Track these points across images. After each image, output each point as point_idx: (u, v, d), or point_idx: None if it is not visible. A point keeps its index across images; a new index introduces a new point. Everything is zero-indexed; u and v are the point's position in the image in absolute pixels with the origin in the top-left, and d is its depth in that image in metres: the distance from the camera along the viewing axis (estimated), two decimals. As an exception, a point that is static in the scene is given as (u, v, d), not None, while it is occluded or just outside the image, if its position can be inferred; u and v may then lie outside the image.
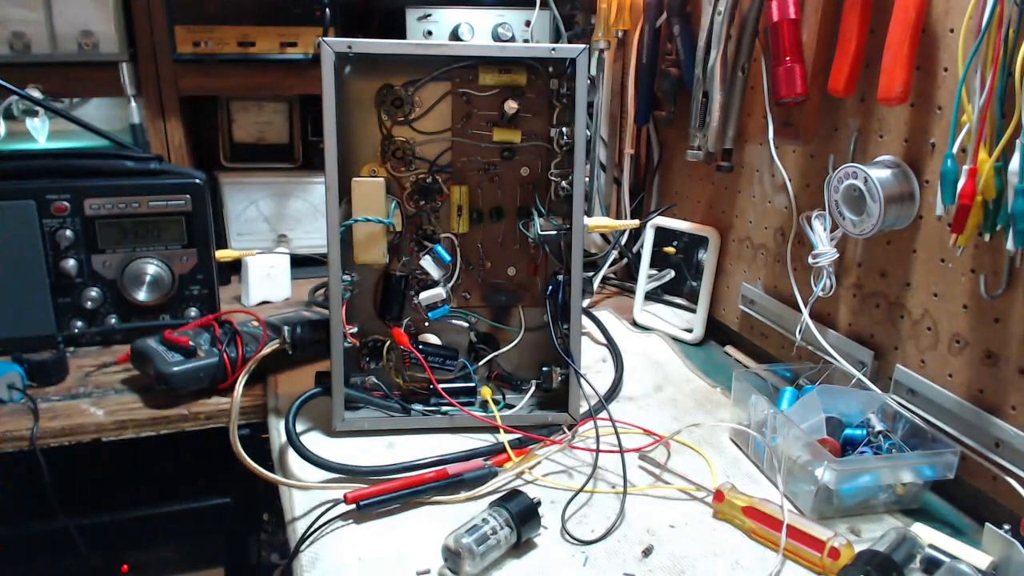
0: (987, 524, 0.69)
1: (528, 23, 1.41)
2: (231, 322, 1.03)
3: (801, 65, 0.92)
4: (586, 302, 1.28)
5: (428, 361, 0.90)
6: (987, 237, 0.72)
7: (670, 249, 1.28)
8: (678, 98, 1.25)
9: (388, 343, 0.92)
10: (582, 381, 0.91)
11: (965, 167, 0.70)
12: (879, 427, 0.83)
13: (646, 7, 1.25)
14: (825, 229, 0.92)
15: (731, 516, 0.76)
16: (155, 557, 1.13)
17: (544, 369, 0.92)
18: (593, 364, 1.11)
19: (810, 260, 0.92)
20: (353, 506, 0.74)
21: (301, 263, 1.41)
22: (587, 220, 0.93)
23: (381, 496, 0.75)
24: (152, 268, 1.10)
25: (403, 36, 1.38)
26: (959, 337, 0.80)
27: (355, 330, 0.89)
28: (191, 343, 0.97)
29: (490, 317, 0.95)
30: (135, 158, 1.12)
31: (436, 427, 0.90)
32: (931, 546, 0.69)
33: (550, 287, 0.91)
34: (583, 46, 0.84)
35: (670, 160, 1.36)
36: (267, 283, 1.31)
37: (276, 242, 1.45)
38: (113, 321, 1.11)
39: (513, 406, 0.92)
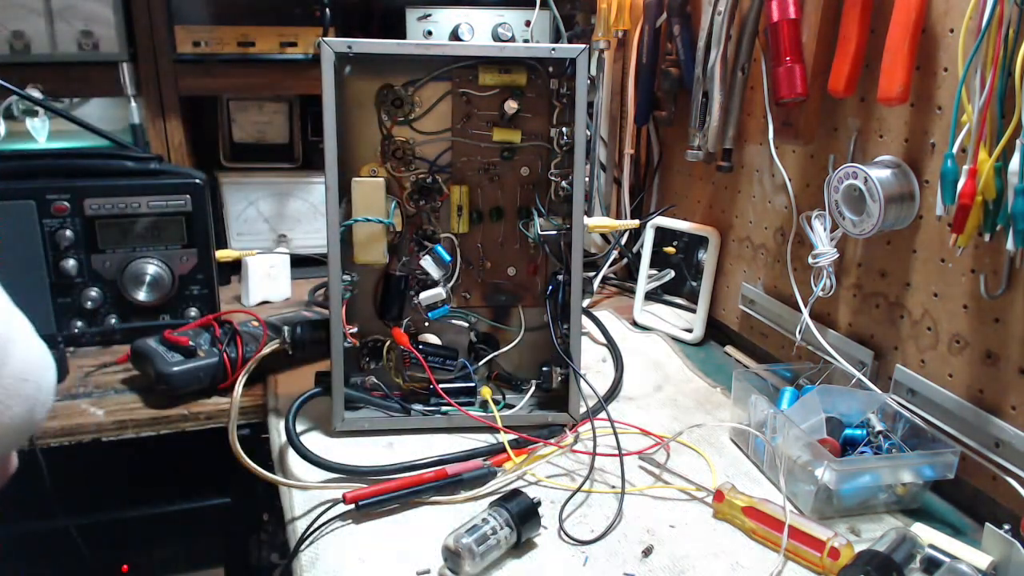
0: (987, 524, 0.69)
1: (528, 23, 1.41)
2: (231, 322, 1.03)
3: (801, 65, 0.92)
4: (586, 302, 1.28)
5: (428, 361, 0.90)
6: (987, 237, 0.72)
7: (670, 249, 1.28)
8: (678, 98, 1.25)
9: (388, 343, 0.92)
10: (582, 381, 0.91)
11: (965, 167, 0.70)
12: (879, 427, 0.83)
13: (646, 7, 1.25)
14: (825, 229, 0.92)
15: (731, 516, 0.76)
16: (155, 557, 1.13)
17: (544, 369, 0.92)
18: (593, 364, 1.11)
19: (810, 260, 0.92)
20: (352, 506, 0.74)
21: (301, 263, 1.41)
22: (587, 220, 0.93)
23: (380, 496, 0.75)
24: (152, 268, 1.10)
25: (403, 36, 1.38)
26: (959, 337, 0.80)
27: (355, 330, 0.89)
28: (191, 343, 0.97)
29: (490, 317, 0.95)
30: (135, 158, 1.12)
31: (436, 427, 0.90)
32: (931, 546, 0.69)
33: (550, 287, 0.91)
34: (583, 46, 0.84)
35: (670, 160, 1.36)
36: (267, 283, 1.31)
37: (276, 242, 1.45)
38: (113, 321, 1.11)
39: (513, 406, 0.92)
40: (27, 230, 1.05)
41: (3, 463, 0.63)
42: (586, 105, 0.86)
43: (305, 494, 0.79)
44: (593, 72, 1.34)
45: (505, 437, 0.85)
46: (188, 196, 1.10)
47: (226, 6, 1.29)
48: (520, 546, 0.71)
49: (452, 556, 0.67)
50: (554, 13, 1.39)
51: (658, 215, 1.29)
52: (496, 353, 0.94)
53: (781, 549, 0.70)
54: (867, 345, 0.92)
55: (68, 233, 1.06)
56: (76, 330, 1.09)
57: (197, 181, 1.11)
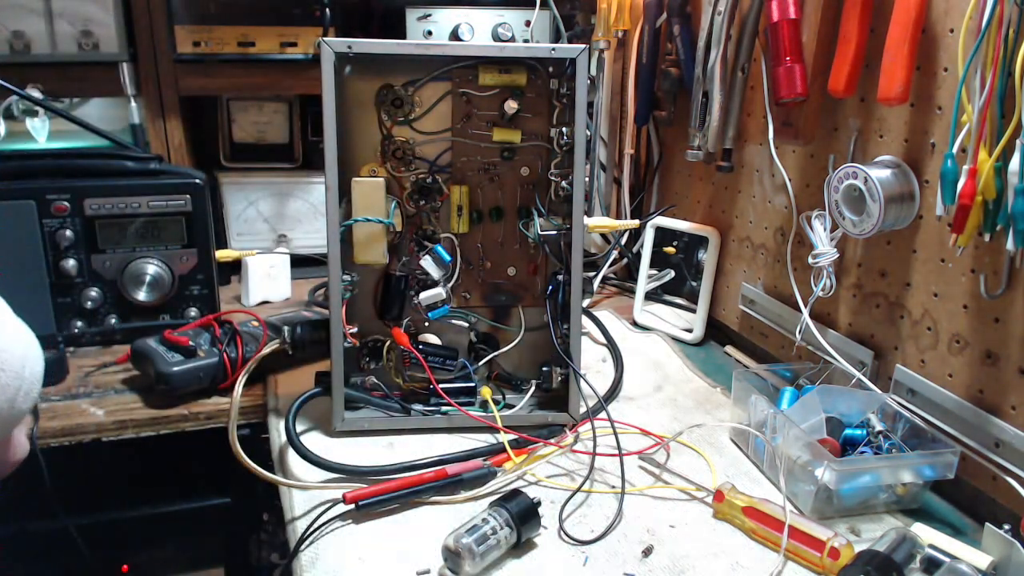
0: (987, 524, 0.69)
1: (528, 23, 1.41)
2: (231, 322, 1.03)
3: (801, 65, 0.92)
4: (586, 302, 1.28)
5: (428, 361, 0.90)
6: (987, 237, 0.72)
7: (670, 249, 1.28)
8: (678, 98, 1.25)
9: (388, 343, 0.92)
10: (582, 381, 0.91)
11: (965, 167, 0.70)
12: (879, 427, 0.83)
13: (646, 7, 1.25)
14: (825, 229, 0.92)
15: (731, 516, 0.76)
16: (155, 557, 1.13)
17: (544, 369, 0.92)
18: (593, 364, 1.11)
19: (810, 260, 0.92)
20: (352, 506, 0.74)
21: (301, 263, 1.41)
22: (587, 220, 0.93)
23: (380, 496, 0.75)
24: (152, 268, 1.10)
25: (403, 36, 1.38)
26: (959, 337, 0.80)
27: (355, 330, 0.89)
28: (191, 343, 0.97)
29: (490, 317, 0.95)
30: (135, 158, 1.12)
31: (436, 427, 0.90)
32: (931, 546, 0.69)
33: (550, 287, 0.91)
34: (583, 46, 0.84)
35: (670, 160, 1.36)
36: (267, 283, 1.31)
37: (276, 242, 1.45)
38: (113, 321, 1.11)
39: (513, 406, 0.92)
40: (27, 230, 1.05)
41: (3, 448, 0.63)
42: (586, 105, 0.86)
43: (305, 494, 0.79)
44: (593, 72, 1.34)
45: (505, 437, 0.85)
46: (188, 196, 1.10)
47: (226, 6, 1.29)
48: (520, 546, 0.71)
49: (452, 556, 0.67)
50: (554, 13, 1.39)
51: (658, 215, 1.29)
52: (496, 353, 0.94)
53: (781, 549, 0.70)
54: (867, 345, 0.92)
55: (68, 233, 1.06)
56: (76, 330, 1.09)
57: (197, 181, 1.11)
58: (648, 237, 1.27)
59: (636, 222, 1.13)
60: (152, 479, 1.08)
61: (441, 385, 0.89)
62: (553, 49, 0.85)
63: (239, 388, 0.84)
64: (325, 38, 0.82)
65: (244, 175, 1.43)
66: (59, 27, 1.22)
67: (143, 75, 1.30)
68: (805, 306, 0.94)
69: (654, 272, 1.29)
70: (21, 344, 0.59)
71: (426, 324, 0.93)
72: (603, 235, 1.43)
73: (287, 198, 1.44)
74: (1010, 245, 0.68)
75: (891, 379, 0.88)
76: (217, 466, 1.03)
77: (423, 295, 0.91)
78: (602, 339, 1.18)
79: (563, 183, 0.89)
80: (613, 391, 1.02)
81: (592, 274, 1.35)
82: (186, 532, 1.12)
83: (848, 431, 0.83)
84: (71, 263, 1.07)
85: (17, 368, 0.57)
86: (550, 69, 0.88)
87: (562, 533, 0.74)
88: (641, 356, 1.14)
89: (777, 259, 1.08)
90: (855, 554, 0.67)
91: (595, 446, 0.83)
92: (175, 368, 0.94)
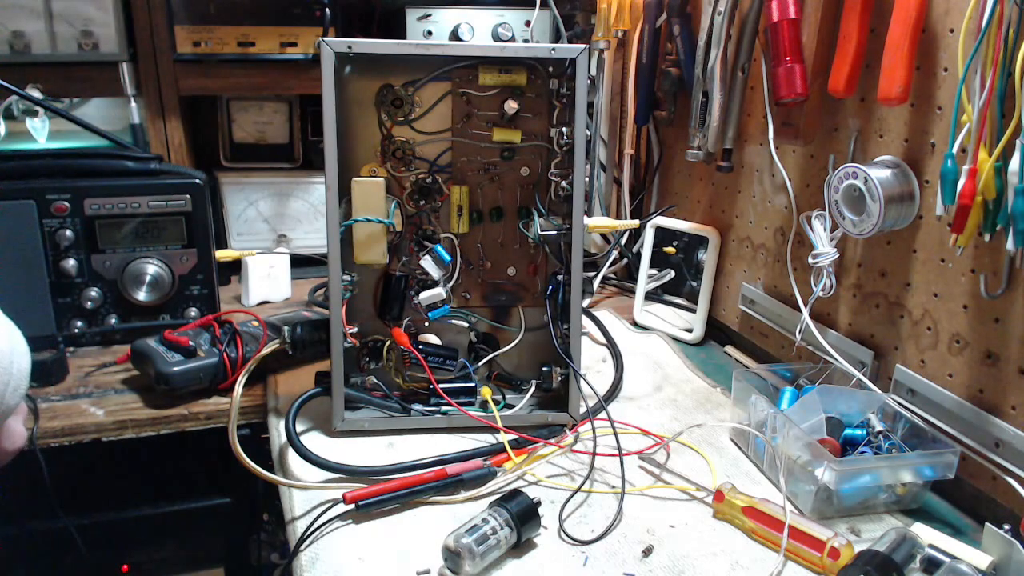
0: (987, 524, 0.69)
1: (528, 23, 1.41)
2: (231, 322, 1.03)
3: (801, 65, 0.92)
4: (586, 302, 1.28)
5: (428, 361, 0.90)
6: (987, 237, 0.72)
7: (670, 249, 1.28)
8: (678, 98, 1.25)
9: (388, 343, 0.92)
10: (582, 381, 0.91)
11: (965, 167, 0.70)
12: (879, 427, 0.83)
13: (646, 7, 1.25)
14: (825, 229, 0.92)
15: (731, 516, 0.76)
16: (155, 557, 1.13)
17: (544, 369, 0.92)
18: (593, 364, 1.11)
19: (810, 260, 0.92)
20: (352, 506, 0.74)
21: (301, 263, 1.41)
22: (587, 220, 0.93)
23: (380, 496, 0.75)
24: (152, 268, 1.10)
25: (403, 36, 1.38)
26: (959, 337, 0.80)
27: (355, 330, 0.89)
28: (191, 343, 0.97)
29: (490, 317, 0.95)
30: (135, 158, 1.12)
31: (436, 427, 0.90)
32: (931, 546, 0.69)
33: (550, 287, 0.91)
34: (583, 46, 0.84)
35: (670, 160, 1.36)
36: (267, 283, 1.31)
37: (276, 242, 1.45)
38: (113, 321, 1.11)
39: (513, 406, 0.92)
40: (27, 230, 1.05)
41: None
42: (586, 105, 0.86)
43: (305, 494, 0.79)
44: (593, 72, 1.34)
45: (505, 437, 0.85)
46: (188, 196, 1.10)
47: (226, 6, 1.29)
48: (520, 546, 0.71)
49: (452, 556, 0.67)
50: (554, 13, 1.39)
51: (658, 215, 1.29)
52: (496, 353, 0.94)
53: (781, 549, 0.70)
54: (867, 345, 0.92)
55: (68, 233, 1.06)
56: (76, 330, 1.09)
57: (197, 181, 1.11)
58: (648, 237, 1.27)
59: (636, 222, 1.13)
60: (152, 479, 1.08)
61: (441, 385, 0.89)
62: (553, 49, 0.85)
63: (239, 388, 0.84)
64: (325, 38, 0.82)
65: (244, 175, 1.43)
66: (59, 27, 1.22)
67: (143, 75, 1.30)
68: (805, 306, 0.94)
69: (654, 272, 1.29)
70: (8, 341, 0.59)
71: (426, 324, 0.93)
72: (603, 235, 1.44)
73: (287, 198, 1.44)
74: (1010, 245, 0.68)
75: (891, 379, 0.88)
76: (217, 466, 1.03)
77: (423, 295, 0.91)
78: (602, 339, 1.18)
79: (563, 183, 0.89)
80: (613, 391, 1.02)
81: (592, 274, 1.35)
82: (186, 532, 1.12)
83: (848, 431, 0.83)
84: (71, 263, 1.07)
85: (5, 364, 0.57)
86: (550, 69, 0.88)
87: (562, 533, 0.74)
88: (641, 356, 1.14)
89: (777, 259, 1.08)
90: (855, 554, 0.67)
91: (595, 446, 0.83)
92: (175, 368, 0.94)
